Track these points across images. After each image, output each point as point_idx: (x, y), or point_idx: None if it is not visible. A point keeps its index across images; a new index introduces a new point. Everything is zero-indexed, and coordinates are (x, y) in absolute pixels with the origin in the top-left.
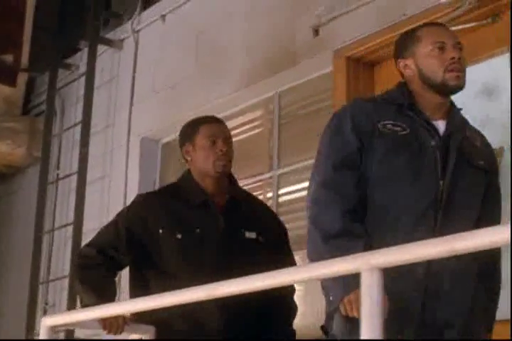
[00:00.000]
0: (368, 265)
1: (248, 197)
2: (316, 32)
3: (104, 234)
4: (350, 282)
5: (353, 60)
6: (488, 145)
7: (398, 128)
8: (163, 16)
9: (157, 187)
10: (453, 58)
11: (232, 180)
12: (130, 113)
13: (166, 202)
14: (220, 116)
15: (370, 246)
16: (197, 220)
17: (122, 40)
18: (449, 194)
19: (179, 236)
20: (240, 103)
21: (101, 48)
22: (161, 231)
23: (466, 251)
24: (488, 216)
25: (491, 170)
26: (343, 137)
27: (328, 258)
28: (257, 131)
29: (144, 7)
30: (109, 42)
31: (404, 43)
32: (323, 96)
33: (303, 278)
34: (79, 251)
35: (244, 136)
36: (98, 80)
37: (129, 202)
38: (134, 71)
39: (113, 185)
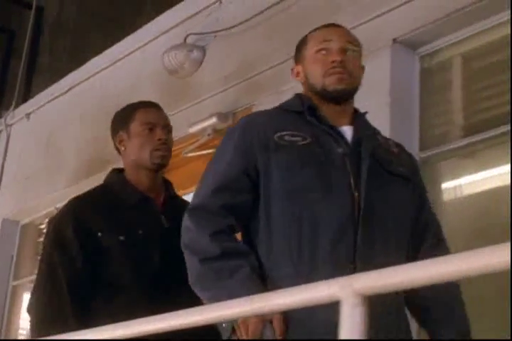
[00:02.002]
0: (350, 291)
1: (183, 200)
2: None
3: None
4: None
5: None
6: (407, 152)
7: (298, 138)
8: (28, 115)
9: (14, 262)
10: (334, 62)
11: (165, 181)
12: None
13: (99, 204)
14: (55, 206)
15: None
16: (137, 221)
17: None
18: (367, 205)
19: (122, 238)
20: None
21: None
22: (100, 234)
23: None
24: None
25: (413, 178)
26: (227, 159)
27: (208, 284)
28: None
29: (16, 104)
30: None
31: (297, 48)
32: None
33: (263, 309)
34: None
35: None
36: None
37: None
38: (4, 160)
39: None
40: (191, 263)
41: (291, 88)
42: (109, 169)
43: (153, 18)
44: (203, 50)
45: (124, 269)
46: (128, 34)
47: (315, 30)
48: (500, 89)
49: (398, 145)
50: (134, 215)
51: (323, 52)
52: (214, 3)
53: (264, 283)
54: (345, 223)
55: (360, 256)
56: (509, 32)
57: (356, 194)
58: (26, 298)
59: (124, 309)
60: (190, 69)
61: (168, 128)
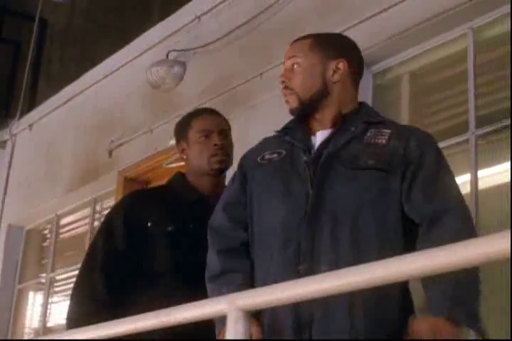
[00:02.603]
0: (234, 307)
1: None
2: (110, 154)
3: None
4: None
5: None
6: (408, 141)
7: (275, 156)
8: (30, 125)
9: (19, 267)
10: None
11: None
12: (3, 204)
13: (155, 198)
14: (56, 213)
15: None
16: (191, 216)
17: (5, 141)
18: (314, 207)
19: (170, 228)
20: (69, 204)
21: None
22: (149, 224)
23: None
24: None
25: (393, 168)
26: (231, 179)
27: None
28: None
29: (21, 114)
30: None
31: None
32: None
33: (167, 322)
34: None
35: (75, 232)
36: None
37: None
38: (9, 168)
39: None
40: (205, 281)
41: (261, 102)
42: (101, 178)
43: (156, 23)
44: (183, 65)
45: (166, 258)
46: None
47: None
48: (446, 104)
49: (398, 133)
50: (188, 211)
51: None
52: (193, 20)
53: None
54: (296, 224)
55: (304, 260)
56: (450, 52)
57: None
58: (31, 299)
59: (162, 297)
60: (172, 83)
61: (225, 132)
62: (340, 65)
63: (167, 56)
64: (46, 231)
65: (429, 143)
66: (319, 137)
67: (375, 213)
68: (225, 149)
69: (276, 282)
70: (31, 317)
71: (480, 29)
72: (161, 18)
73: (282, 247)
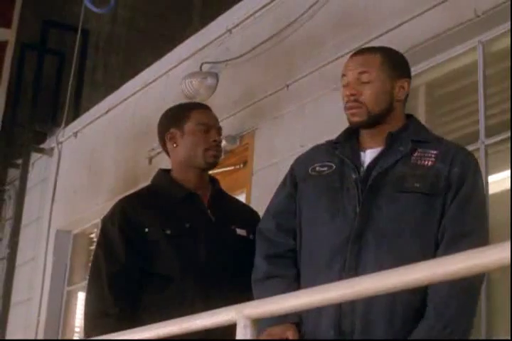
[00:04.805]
0: (242, 315)
1: (230, 196)
2: (150, 161)
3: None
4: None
5: None
6: (452, 162)
7: (325, 168)
8: (75, 133)
9: (68, 270)
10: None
11: (211, 178)
12: (51, 209)
13: (146, 202)
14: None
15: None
16: (184, 215)
17: (52, 149)
18: (360, 226)
19: (168, 231)
20: None
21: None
22: (147, 230)
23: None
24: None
25: (438, 191)
26: (282, 185)
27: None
28: None
29: (66, 123)
30: (42, 151)
31: None
32: None
33: (181, 330)
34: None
35: None
36: (36, 178)
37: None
38: (57, 175)
39: (37, 266)
40: (251, 283)
41: (286, 113)
42: (142, 185)
43: (197, 31)
44: (216, 77)
45: (172, 261)
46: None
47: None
48: (458, 114)
49: (445, 154)
50: (180, 210)
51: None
52: (224, 33)
53: None
54: (343, 243)
55: (349, 273)
56: (461, 65)
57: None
58: (80, 301)
59: (175, 299)
60: (205, 94)
61: (220, 130)
62: (406, 85)
63: (200, 68)
64: (92, 235)
65: (471, 166)
66: (369, 155)
67: (416, 234)
68: (220, 146)
69: None
70: (81, 318)
71: (488, 43)
72: (202, 24)
73: (329, 262)
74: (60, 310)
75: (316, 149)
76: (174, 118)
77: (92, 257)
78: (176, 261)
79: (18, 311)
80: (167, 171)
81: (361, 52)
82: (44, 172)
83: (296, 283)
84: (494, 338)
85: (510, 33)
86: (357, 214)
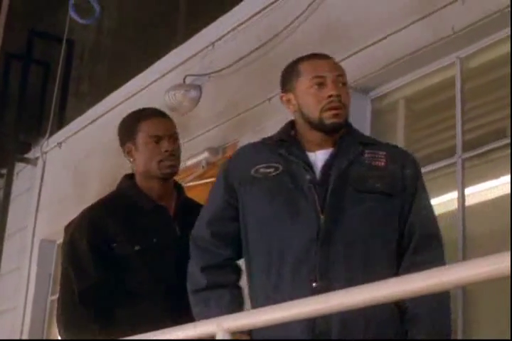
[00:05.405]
0: (221, 328)
1: (197, 204)
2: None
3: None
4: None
5: None
6: (402, 160)
7: (271, 170)
8: (59, 144)
9: (52, 279)
10: (330, 96)
11: (177, 185)
12: (36, 219)
13: (113, 212)
14: None
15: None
16: (151, 229)
17: (37, 159)
18: (327, 227)
19: (137, 247)
20: None
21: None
22: (114, 244)
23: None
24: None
25: (399, 190)
26: (215, 193)
27: (198, 311)
28: None
29: (51, 133)
30: (27, 161)
31: (287, 77)
32: None
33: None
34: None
35: None
36: (20, 188)
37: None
38: (41, 185)
39: (21, 275)
40: (188, 292)
41: (268, 126)
42: None
43: (182, 42)
44: (199, 89)
45: (141, 277)
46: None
47: (305, 59)
48: (436, 128)
49: (392, 155)
50: (147, 223)
51: (317, 86)
52: (207, 46)
53: (242, 307)
54: (308, 245)
55: (320, 278)
56: (440, 79)
57: (322, 217)
58: None
59: (145, 316)
60: (189, 107)
61: (174, 136)
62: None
63: (184, 80)
64: None
65: (419, 168)
66: (320, 156)
67: (381, 234)
68: (176, 154)
69: (288, 299)
70: None
71: (466, 59)
72: (188, 35)
73: (295, 266)
74: (44, 319)
75: (253, 149)
76: (127, 132)
77: (61, 270)
78: (145, 277)
79: (2, 320)
80: (132, 177)
81: (325, 56)
82: (28, 182)
83: (238, 290)
84: None
85: (510, 39)
86: (319, 216)
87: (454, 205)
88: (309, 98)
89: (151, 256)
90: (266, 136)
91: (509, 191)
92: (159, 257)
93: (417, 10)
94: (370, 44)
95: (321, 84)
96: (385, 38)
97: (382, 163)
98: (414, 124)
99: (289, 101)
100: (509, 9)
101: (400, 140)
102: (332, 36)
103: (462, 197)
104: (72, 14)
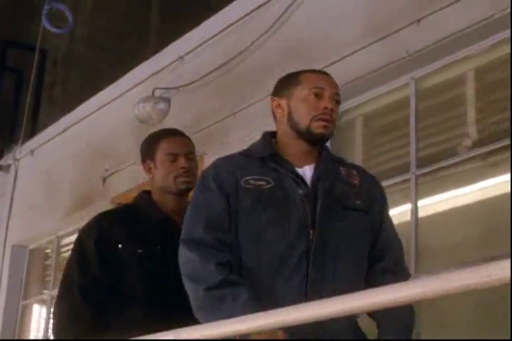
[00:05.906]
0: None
1: None
2: (104, 181)
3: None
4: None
5: None
6: (370, 180)
7: (262, 182)
8: (32, 151)
9: (23, 284)
10: (325, 108)
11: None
12: (7, 225)
13: (123, 219)
14: (57, 234)
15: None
16: (157, 238)
17: (9, 166)
18: (318, 242)
19: (140, 250)
20: (68, 226)
21: None
22: (120, 246)
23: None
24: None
25: (371, 208)
26: (210, 198)
27: (214, 309)
28: None
29: (23, 140)
30: None
31: (285, 83)
32: None
33: None
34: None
35: None
36: None
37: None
38: (13, 191)
39: None
40: (195, 292)
41: (233, 139)
42: (95, 204)
43: (157, 51)
44: (168, 102)
45: (137, 282)
46: (134, 66)
47: (307, 72)
48: (397, 144)
49: (361, 174)
50: (155, 233)
51: (314, 96)
52: (177, 60)
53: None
54: (298, 259)
55: (311, 289)
56: (395, 99)
57: (312, 231)
58: (35, 315)
59: (136, 320)
60: (157, 119)
61: (191, 155)
62: None
63: (153, 93)
64: (48, 251)
65: (381, 186)
66: (308, 171)
67: (359, 248)
68: (191, 171)
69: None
70: (37, 331)
71: (420, 79)
72: (160, 43)
73: (286, 277)
74: (15, 324)
75: (231, 161)
76: (147, 150)
77: (65, 266)
78: (142, 282)
79: None
80: (148, 192)
81: (327, 73)
82: (1, 189)
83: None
84: None
85: (510, 43)
86: (311, 230)
87: (408, 217)
88: (304, 105)
89: (151, 262)
90: (232, 149)
91: (458, 204)
92: (159, 264)
93: (375, 33)
94: (329, 63)
95: (318, 96)
96: (344, 58)
97: (356, 181)
98: (371, 141)
99: (279, 105)
100: (463, 33)
101: (358, 156)
102: (294, 54)
103: (415, 210)
104: (46, 24)
